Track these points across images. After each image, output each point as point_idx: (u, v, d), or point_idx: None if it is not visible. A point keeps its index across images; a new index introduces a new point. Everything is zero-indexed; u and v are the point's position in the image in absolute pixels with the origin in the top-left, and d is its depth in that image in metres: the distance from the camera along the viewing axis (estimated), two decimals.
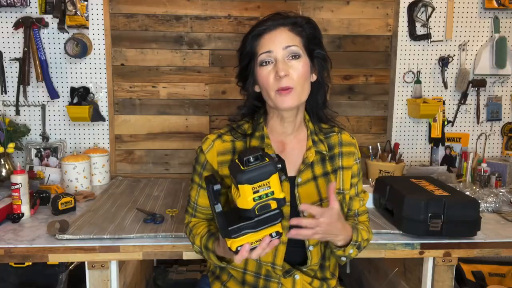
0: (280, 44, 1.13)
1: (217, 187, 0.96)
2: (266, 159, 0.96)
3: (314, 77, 1.21)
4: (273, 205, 0.95)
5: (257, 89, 1.21)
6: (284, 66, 1.13)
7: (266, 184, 0.94)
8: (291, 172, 1.21)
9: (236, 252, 0.96)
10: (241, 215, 0.96)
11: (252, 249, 0.97)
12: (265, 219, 0.96)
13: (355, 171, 1.26)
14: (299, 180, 1.19)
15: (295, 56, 1.14)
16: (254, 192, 0.94)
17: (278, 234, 0.97)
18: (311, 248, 1.18)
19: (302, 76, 1.15)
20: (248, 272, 1.21)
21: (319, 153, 1.22)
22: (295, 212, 1.17)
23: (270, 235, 0.97)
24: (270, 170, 0.94)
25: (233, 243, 0.96)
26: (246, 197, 0.94)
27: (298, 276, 1.18)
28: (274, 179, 0.95)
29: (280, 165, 0.97)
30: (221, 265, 1.16)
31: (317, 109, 1.26)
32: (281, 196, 0.95)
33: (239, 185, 0.94)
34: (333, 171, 1.23)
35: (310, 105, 1.25)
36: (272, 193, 0.95)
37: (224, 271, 1.27)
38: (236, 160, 0.98)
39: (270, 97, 1.15)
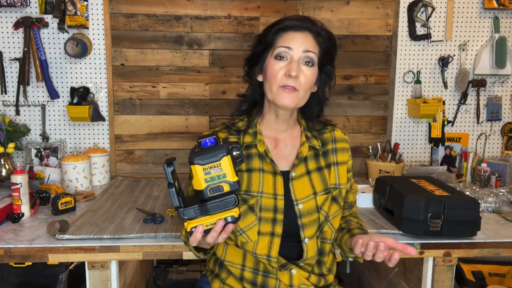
0: (301, 46, 1.16)
1: (170, 168, 0.98)
2: (221, 142, 0.99)
3: (314, 88, 1.24)
4: (226, 188, 0.97)
5: (260, 78, 1.23)
6: (297, 67, 1.15)
7: (217, 166, 0.96)
8: (285, 167, 1.24)
9: (191, 233, 0.99)
10: (196, 196, 0.99)
11: (207, 232, 0.99)
12: (219, 203, 0.98)
13: (349, 166, 1.30)
14: (293, 174, 1.22)
15: (309, 63, 1.17)
16: (206, 174, 0.96)
17: (233, 218, 1.00)
18: (306, 240, 1.19)
19: (309, 83, 1.18)
20: (246, 268, 1.22)
21: (312, 149, 1.25)
22: (289, 206, 1.20)
23: (225, 219, 0.99)
24: (221, 152, 0.96)
25: (188, 225, 0.99)
26: (198, 178, 0.96)
27: (294, 271, 1.20)
28: (226, 161, 0.97)
29: (237, 152, 0.99)
30: (198, 255, 1.19)
31: (310, 118, 1.29)
32: (234, 179, 0.98)
33: (191, 166, 0.96)
34: (327, 166, 1.26)
35: (304, 111, 1.29)
36: (224, 175, 0.97)
37: (223, 268, 1.28)
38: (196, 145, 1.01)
39: (272, 91, 1.18)
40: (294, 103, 1.17)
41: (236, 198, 0.99)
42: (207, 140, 0.98)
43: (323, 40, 1.20)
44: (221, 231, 1.00)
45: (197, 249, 1.17)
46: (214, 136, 0.99)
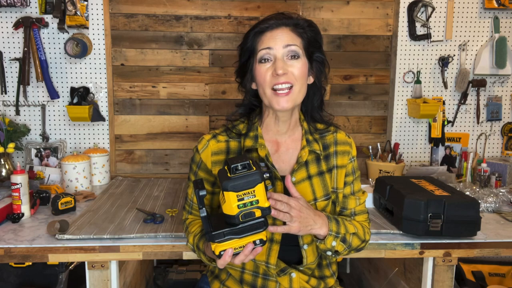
0: (281, 42, 1.14)
1: (202, 192, 0.98)
2: (254, 167, 0.97)
3: (311, 80, 1.22)
4: (257, 213, 0.97)
5: (254, 86, 1.22)
6: (283, 64, 1.14)
7: (251, 193, 0.96)
8: (285, 172, 1.22)
9: (219, 256, 0.99)
10: (226, 220, 0.98)
11: (236, 255, 0.99)
12: (249, 226, 0.98)
13: (349, 170, 1.26)
14: (293, 179, 1.19)
15: (294, 56, 1.15)
16: (239, 200, 0.96)
17: (262, 241, 1.00)
18: (305, 247, 1.18)
19: (300, 75, 1.15)
20: (246, 271, 1.22)
21: (313, 153, 1.23)
22: None
23: (254, 242, 0.99)
24: (256, 179, 0.96)
25: (217, 247, 0.98)
26: (231, 203, 0.96)
27: (294, 274, 1.19)
28: (260, 188, 0.96)
29: (267, 175, 0.99)
30: (211, 265, 1.18)
31: (312, 112, 1.26)
32: (266, 205, 0.97)
33: (224, 192, 0.96)
34: (328, 170, 1.23)
35: (305, 107, 1.26)
36: (257, 201, 0.96)
37: (223, 270, 1.28)
38: (225, 167, 1.00)
39: (266, 95, 1.16)
40: (291, 104, 1.15)
41: (265, 221, 0.98)
42: (239, 166, 0.97)
43: (303, 30, 1.17)
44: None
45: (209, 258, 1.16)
46: (248, 162, 0.98)
